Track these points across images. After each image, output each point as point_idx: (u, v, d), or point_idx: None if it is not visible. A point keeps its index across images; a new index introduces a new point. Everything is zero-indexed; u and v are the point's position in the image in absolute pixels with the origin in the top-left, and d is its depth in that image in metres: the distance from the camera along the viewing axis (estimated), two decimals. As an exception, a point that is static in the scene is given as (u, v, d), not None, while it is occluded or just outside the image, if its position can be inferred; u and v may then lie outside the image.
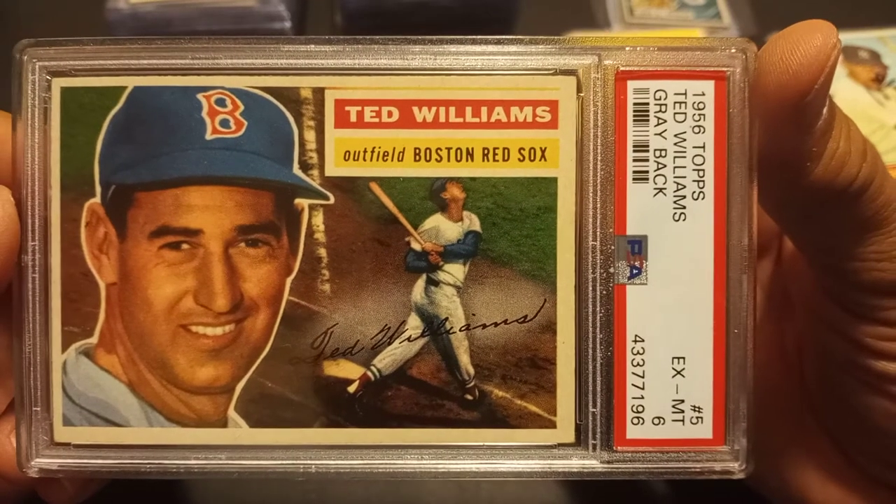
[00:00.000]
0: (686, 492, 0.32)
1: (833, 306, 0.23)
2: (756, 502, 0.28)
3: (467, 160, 0.21)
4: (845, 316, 0.23)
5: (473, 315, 0.22)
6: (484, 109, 0.21)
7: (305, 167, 0.21)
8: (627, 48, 0.21)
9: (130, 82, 0.21)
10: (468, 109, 0.21)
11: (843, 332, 0.23)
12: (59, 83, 0.21)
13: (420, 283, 0.21)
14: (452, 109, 0.21)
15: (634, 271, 0.21)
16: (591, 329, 0.21)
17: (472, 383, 0.22)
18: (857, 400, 0.24)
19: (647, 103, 0.21)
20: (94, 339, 0.21)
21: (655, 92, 0.21)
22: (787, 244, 0.27)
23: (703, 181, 0.21)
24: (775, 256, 0.28)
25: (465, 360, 0.22)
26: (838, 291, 0.23)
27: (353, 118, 0.21)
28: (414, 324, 0.22)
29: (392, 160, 0.21)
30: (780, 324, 0.28)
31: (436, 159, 0.21)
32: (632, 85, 0.21)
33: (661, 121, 0.21)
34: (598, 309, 0.21)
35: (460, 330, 0.22)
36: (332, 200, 0.21)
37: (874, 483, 0.26)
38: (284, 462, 0.21)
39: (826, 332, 0.24)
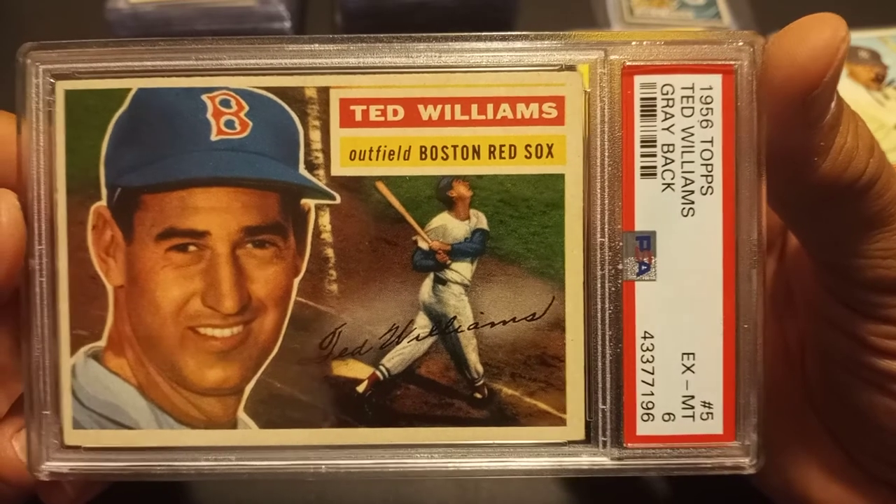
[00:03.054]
0: (688, 490, 0.32)
1: (836, 304, 0.23)
2: (757, 500, 0.28)
3: (473, 158, 0.21)
4: (848, 313, 0.23)
5: (481, 313, 0.21)
6: (490, 107, 0.21)
7: (311, 167, 0.21)
8: (634, 42, 0.21)
9: (134, 84, 0.21)
10: (474, 107, 0.21)
11: (846, 330, 0.23)
12: (62, 86, 0.21)
13: (428, 282, 0.21)
14: (458, 107, 0.21)
15: (643, 267, 0.21)
16: (599, 326, 0.21)
17: (481, 381, 0.21)
18: (859, 398, 0.24)
19: (655, 98, 0.21)
20: (102, 342, 0.21)
21: (662, 86, 0.21)
22: (791, 241, 0.27)
23: (712, 176, 0.21)
24: (778, 253, 0.28)
25: (473, 358, 0.21)
26: (842, 289, 0.23)
27: (359, 117, 0.21)
28: (422, 323, 0.21)
29: (398, 159, 0.21)
30: (783, 321, 0.28)
31: (442, 157, 0.21)
32: (639, 80, 0.21)
33: (668, 115, 0.21)
34: (606, 306, 0.21)
35: (469, 328, 0.21)
36: (338, 200, 0.21)
37: (875, 481, 0.26)
38: (294, 462, 0.21)
39: (829, 329, 0.24)
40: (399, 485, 0.32)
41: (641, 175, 0.21)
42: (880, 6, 0.51)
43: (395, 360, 0.22)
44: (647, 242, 0.21)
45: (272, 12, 0.48)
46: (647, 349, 0.21)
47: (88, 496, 0.24)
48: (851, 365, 0.23)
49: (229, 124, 0.21)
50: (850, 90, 0.46)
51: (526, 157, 0.21)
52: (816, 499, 0.26)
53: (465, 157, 0.21)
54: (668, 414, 0.21)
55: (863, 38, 0.48)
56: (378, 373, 0.22)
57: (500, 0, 0.51)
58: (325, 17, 0.53)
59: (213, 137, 0.21)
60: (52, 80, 0.21)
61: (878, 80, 0.46)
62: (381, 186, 0.21)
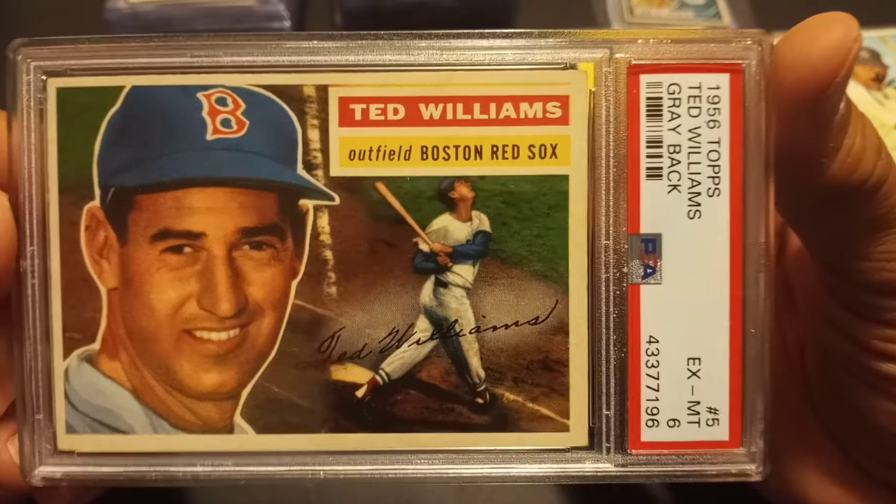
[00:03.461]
0: (687, 492, 0.31)
1: (838, 306, 0.23)
2: (755, 501, 0.28)
3: (476, 158, 0.21)
4: (850, 316, 0.23)
5: (483, 317, 0.21)
6: (492, 106, 0.21)
7: (310, 167, 0.21)
8: (639, 41, 0.20)
9: (128, 82, 0.21)
10: (476, 106, 0.21)
11: (847, 333, 0.23)
12: (54, 83, 0.21)
13: (428, 285, 0.21)
14: (460, 106, 0.21)
15: (648, 270, 0.21)
16: (604, 330, 0.21)
17: (483, 386, 0.21)
18: (859, 400, 0.24)
19: (661, 97, 0.20)
20: (96, 346, 0.21)
21: (669, 86, 0.20)
22: (792, 241, 0.27)
23: (719, 177, 0.20)
24: (778, 253, 0.27)
25: (475, 362, 0.21)
26: (844, 291, 0.23)
27: (358, 116, 0.21)
28: (423, 326, 0.21)
29: (398, 159, 0.21)
30: (782, 321, 0.27)
31: (443, 158, 0.21)
32: (644, 79, 0.20)
33: (674, 115, 0.20)
34: (611, 309, 0.21)
35: (470, 332, 0.21)
36: (337, 201, 0.21)
37: (874, 483, 0.25)
38: (292, 468, 0.21)
39: (830, 331, 0.24)
40: (399, 487, 0.32)
41: (647, 176, 0.20)
42: (880, 6, 0.51)
43: (395, 364, 0.21)
44: (652, 245, 0.20)
45: (272, 12, 0.48)
46: (653, 354, 0.21)
47: (85, 500, 0.24)
48: (852, 367, 0.23)
49: (225, 123, 0.21)
50: (850, 90, 0.46)
51: (529, 157, 0.21)
52: (815, 500, 0.26)
53: (467, 157, 0.21)
54: (674, 420, 0.21)
55: (863, 37, 0.48)
56: (378, 377, 0.21)
57: (500, 0, 0.51)
58: (324, 16, 0.53)
59: (209, 136, 0.21)
60: (43, 78, 0.21)
61: (878, 80, 0.46)
62: (381, 187, 0.21)
